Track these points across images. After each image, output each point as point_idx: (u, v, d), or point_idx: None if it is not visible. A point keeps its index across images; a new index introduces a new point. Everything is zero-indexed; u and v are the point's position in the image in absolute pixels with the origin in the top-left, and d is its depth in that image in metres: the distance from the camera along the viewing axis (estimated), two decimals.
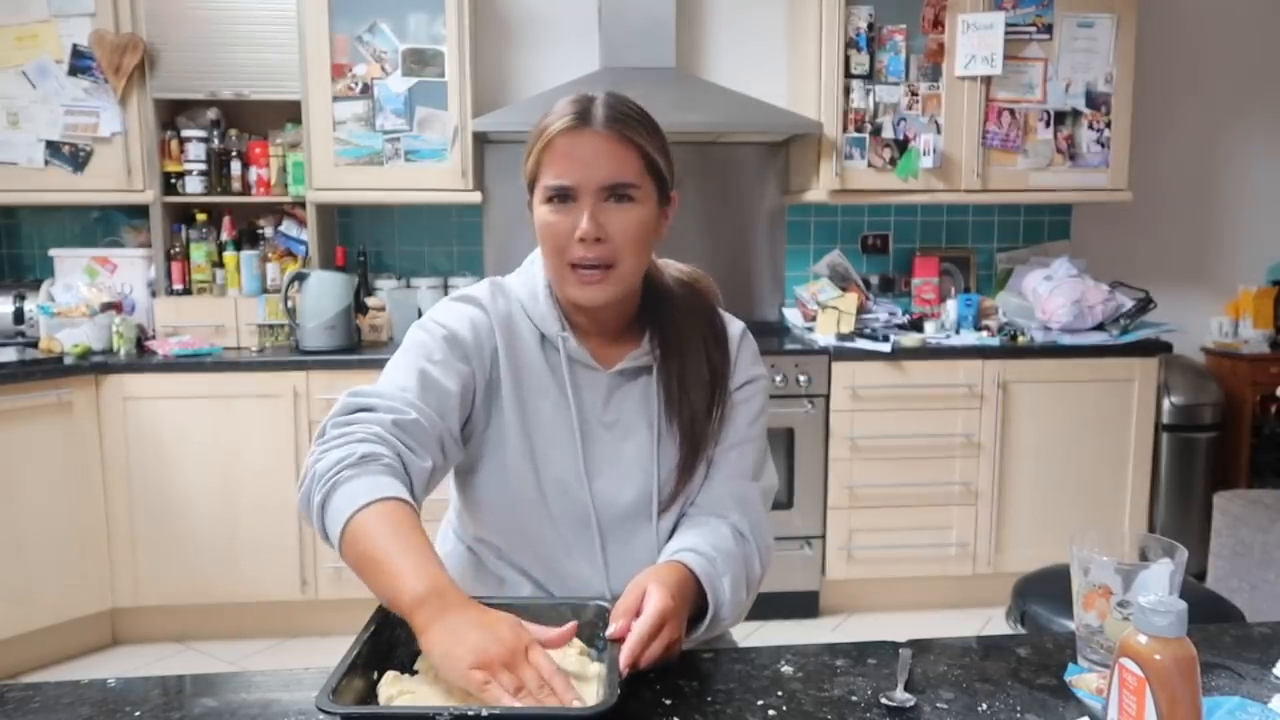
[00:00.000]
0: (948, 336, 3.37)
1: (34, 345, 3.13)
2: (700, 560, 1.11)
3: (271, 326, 3.23)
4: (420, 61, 3.19)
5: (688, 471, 1.20)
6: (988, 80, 3.36)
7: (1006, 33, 3.29)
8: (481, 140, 3.40)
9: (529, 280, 1.23)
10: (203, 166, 3.25)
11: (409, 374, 1.12)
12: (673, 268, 1.30)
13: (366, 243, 3.54)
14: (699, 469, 1.21)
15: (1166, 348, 3.31)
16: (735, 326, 1.28)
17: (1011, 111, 3.40)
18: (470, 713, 0.81)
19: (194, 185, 3.24)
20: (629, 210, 1.12)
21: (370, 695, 0.90)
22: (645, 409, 1.22)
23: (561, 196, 1.12)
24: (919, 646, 1.07)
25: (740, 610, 1.17)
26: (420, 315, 3.34)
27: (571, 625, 0.96)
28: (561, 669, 0.89)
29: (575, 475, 1.19)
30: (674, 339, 1.22)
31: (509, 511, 1.20)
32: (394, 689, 0.90)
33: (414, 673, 0.95)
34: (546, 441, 1.19)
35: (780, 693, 0.96)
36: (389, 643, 0.99)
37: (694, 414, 1.20)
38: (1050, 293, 3.36)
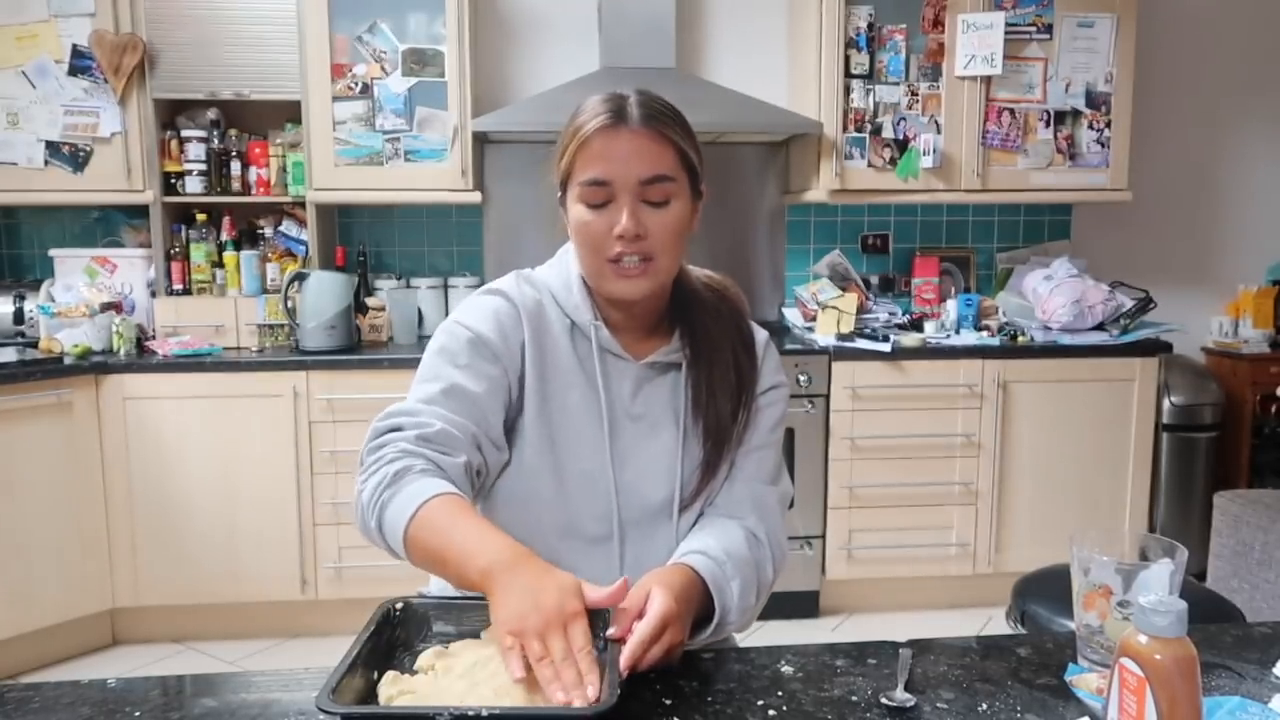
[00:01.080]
0: (948, 336, 3.37)
1: (34, 345, 3.13)
2: (709, 564, 1.11)
3: (271, 326, 3.23)
4: (420, 61, 3.19)
5: (711, 470, 1.22)
6: (988, 80, 3.36)
7: (1006, 33, 3.29)
8: (481, 140, 3.40)
9: (562, 270, 1.25)
10: (202, 166, 3.25)
11: (434, 384, 1.14)
12: (699, 273, 1.31)
13: (366, 243, 3.54)
14: (722, 469, 1.23)
15: (1166, 348, 3.31)
16: (761, 334, 1.30)
17: (1011, 111, 3.40)
18: (470, 713, 0.81)
19: (194, 185, 3.24)
20: (666, 210, 1.14)
21: (370, 695, 0.90)
22: (672, 405, 1.23)
23: (599, 195, 1.13)
24: (919, 646, 1.07)
25: (749, 615, 1.17)
26: (420, 315, 3.37)
27: (622, 582, 0.97)
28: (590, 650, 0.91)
29: (601, 466, 1.20)
30: (704, 343, 1.23)
31: (524, 504, 1.20)
32: (394, 689, 0.90)
33: (414, 672, 0.95)
34: (572, 432, 1.19)
35: (780, 693, 0.96)
36: (389, 643, 0.99)
37: (720, 416, 1.21)
38: (1050, 293, 3.36)
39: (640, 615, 0.99)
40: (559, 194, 1.19)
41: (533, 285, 1.24)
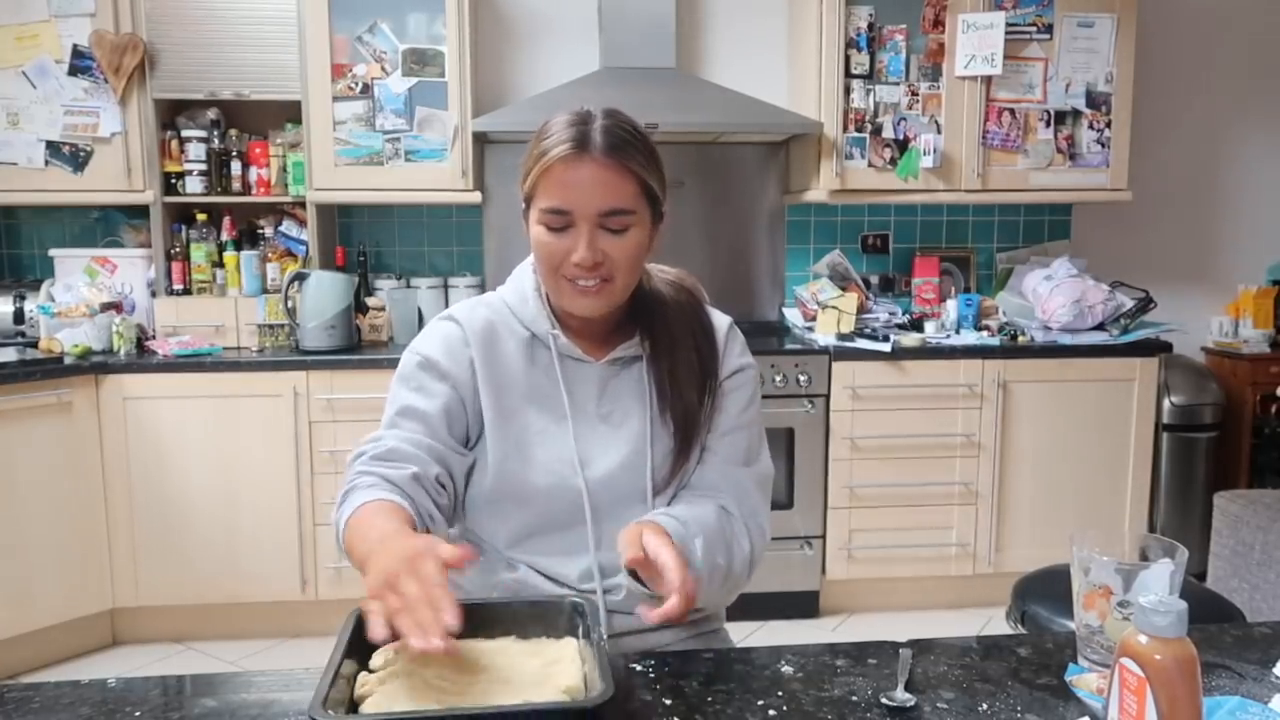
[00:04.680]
0: (948, 336, 3.37)
1: (34, 345, 3.13)
2: (670, 521, 1.14)
3: (271, 326, 3.23)
4: (420, 61, 3.19)
5: (682, 457, 1.24)
6: (988, 80, 3.36)
7: (1006, 33, 3.29)
8: (481, 140, 3.40)
9: (518, 287, 1.29)
10: (203, 166, 3.25)
11: (392, 409, 1.23)
12: (658, 271, 1.33)
13: (366, 243, 3.54)
14: (693, 455, 1.25)
15: (1166, 348, 3.31)
16: (722, 320, 1.33)
17: (1011, 111, 3.40)
18: (472, 712, 0.81)
19: (194, 185, 3.24)
20: (624, 237, 1.17)
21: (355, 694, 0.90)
22: (639, 397, 1.26)
23: (558, 221, 1.16)
24: (919, 646, 1.07)
25: (717, 578, 1.17)
26: (420, 315, 3.38)
27: (467, 547, 0.93)
28: (441, 586, 0.87)
29: (570, 466, 1.22)
30: (664, 336, 1.26)
31: (498, 512, 1.23)
32: (363, 690, 0.90)
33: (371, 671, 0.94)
34: (537, 439, 1.22)
35: (780, 693, 0.96)
36: (367, 644, 0.97)
37: (686, 404, 1.24)
38: (1050, 293, 3.36)
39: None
40: (523, 207, 1.22)
41: (487, 306, 1.29)
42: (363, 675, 0.92)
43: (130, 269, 3.30)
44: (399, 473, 1.14)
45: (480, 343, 1.24)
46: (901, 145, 3.38)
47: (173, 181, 3.25)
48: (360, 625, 0.96)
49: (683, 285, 1.32)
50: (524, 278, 1.29)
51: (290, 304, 3.13)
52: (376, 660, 0.94)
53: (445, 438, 1.20)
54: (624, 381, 1.26)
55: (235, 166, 3.28)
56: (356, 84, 3.19)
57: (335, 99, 3.18)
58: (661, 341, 1.26)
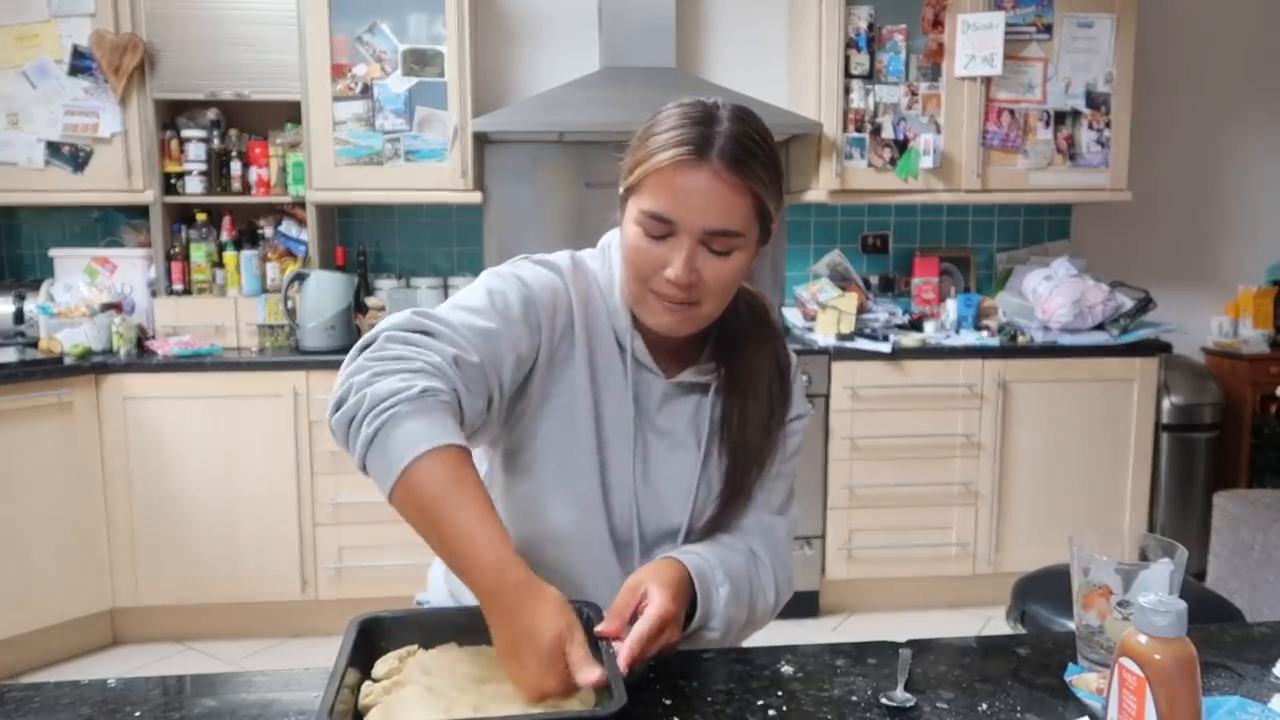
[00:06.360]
0: (948, 336, 3.37)
1: (34, 345, 3.13)
2: (700, 563, 1.08)
3: (271, 327, 3.23)
4: (420, 61, 3.19)
5: (729, 507, 1.17)
6: (988, 80, 3.36)
7: (1006, 33, 3.29)
8: (481, 140, 3.40)
9: (607, 267, 1.17)
10: (203, 166, 3.25)
11: (477, 317, 1.03)
12: (740, 288, 1.23)
13: (366, 243, 3.54)
14: (739, 505, 1.18)
15: (1166, 348, 3.31)
16: (792, 358, 1.25)
17: (1011, 111, 3.40)
18: (490, 718, 0.81)
19: (194, 185, 3.24)
20: (726, 260, 1.05)
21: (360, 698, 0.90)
22: (694, 427, 1.18)
23: (659, 229, 1.04)
24: (919, 646, 1.07)
25: (733, 630, 1.13)
26: None
27: (604, 674, 0.90)
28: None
29: (627, 475, 1.15)
30: (741, 373, 1.17)
31: (557, 492, 1.13)
32: (367, 700, 0.89)
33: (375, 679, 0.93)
34: (607, 433, 1.14)
35: (780, 693, 0.96)
36: (370, 653, 0.97)
37: (748, 450, 1.17)
38: (1050, 293, 3.36)
39: (635, 613, 0.98)
40: (621, 193, 1.11)
41: (584, 274, 1.17)
42: (367, 685, 0.92)
43: (130, 269, 3.30)
44: (472, 401, 0.98)
45: (583, 312, 1.12)
46: (901, 145, 3.38)
47: (173, 181, 3.25)
48: (362, 634, 0.96)
49: (764, 313, 1.21)
50: (615, 262, 1.14)
51: (290, 304, 3.13)
52: (380, 669, 0.94)
53: (506, 385, 1.05)
54: (682, 406, 1.17)
55: (235, 166, 3.28)
56: (356, 84, 3.19)
57: (335, 99, 3.18)
58: (738, 376, 1.16)
